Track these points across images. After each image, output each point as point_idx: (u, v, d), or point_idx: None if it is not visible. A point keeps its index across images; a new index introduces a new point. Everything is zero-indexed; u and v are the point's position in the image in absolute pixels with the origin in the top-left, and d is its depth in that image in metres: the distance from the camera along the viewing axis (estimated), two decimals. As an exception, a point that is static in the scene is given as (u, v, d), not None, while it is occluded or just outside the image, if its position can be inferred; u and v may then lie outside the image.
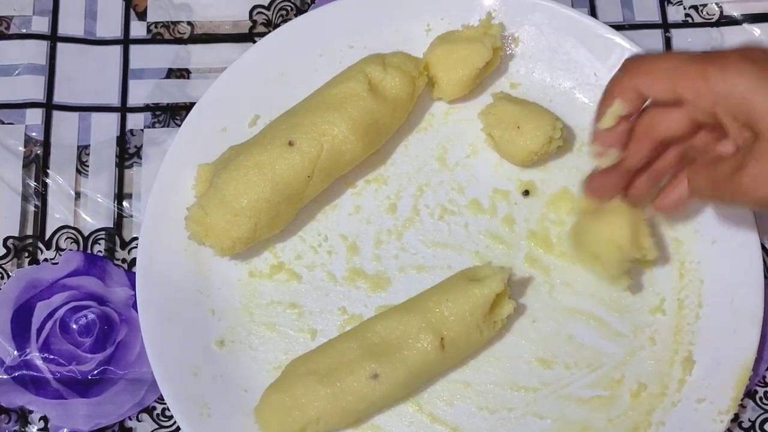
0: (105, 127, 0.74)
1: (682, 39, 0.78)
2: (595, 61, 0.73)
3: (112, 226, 0.72)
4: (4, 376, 0.68)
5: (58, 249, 0.71)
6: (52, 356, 0.68)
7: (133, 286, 0.69)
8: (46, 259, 0.71)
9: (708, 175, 0.57)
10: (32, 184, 0.73)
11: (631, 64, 0.60)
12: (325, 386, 0.62)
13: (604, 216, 0.64)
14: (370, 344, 0.63)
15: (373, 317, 0.66)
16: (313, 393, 0.62)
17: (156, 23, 0.78)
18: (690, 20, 0.79)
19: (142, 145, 0.74)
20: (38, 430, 0.68)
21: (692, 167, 0.59)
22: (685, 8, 0.79)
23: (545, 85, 0.74)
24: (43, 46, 0.76)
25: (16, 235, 0.71)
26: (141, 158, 0.74)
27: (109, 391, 0.68)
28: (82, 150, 0.74)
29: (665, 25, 0.78)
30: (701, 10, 0.79)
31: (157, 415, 0.68)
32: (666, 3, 0.79)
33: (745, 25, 0.78)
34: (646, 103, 0.60)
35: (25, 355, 0.68)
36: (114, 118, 0.75)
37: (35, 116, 0.74)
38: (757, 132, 0.53)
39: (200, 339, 0.68)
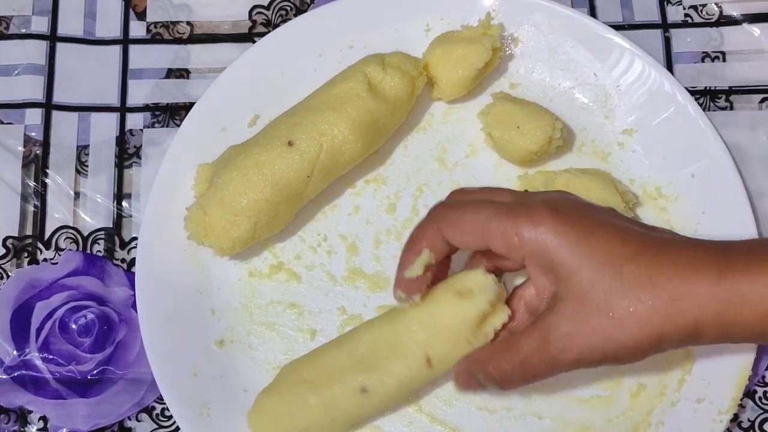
0: (104, 127, 0.74)
1: (682, 39, 0.78)
2: (595, 61, 0.73)
3: (111, 226, 0.72)
4: (4, 376, 0.68)
5: (58, 249, 0.71)
6: (51, 356, 0.68)
7: (132, 286, 0.69)
8: (45, 259, 0.71)
9: (511, 359, 0.55)
10: (31, 184, 0.73)
11: (438, 214, 0.58)
12: (315, 395, 0.61)
13: None
14: (359, 355, 0.62)
15: (362, 326, 0.64)
16: (304, 402, 0.61)
17: (155, 23, 0.78)
18: (689, 20, 0.79)
19: (141, 145, 0.74)
20: (37, 430, 0.68)
21: (486, 359, 0.57)
22: (684, 8, 0.79)
23: (545, 85, 0.74)
24: (42, 46, 0.76)
25: (16, 235, 0.71)
26: (140, 158, 0.74)
27: (109, 391, 0.68)
28: (82, 150, 0.74)
29: (665, 25, 0.78)
30: (701, 10, 0.79)
31: (157, 415, 0.68)
32: (665, 3, 0.79)
33: (745, 25, 0.78)
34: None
35: (25, 355, 0.68)
36: (113, 118, 0.75)
37: (35, 116, 0.74)
38: (558, 291, 0.53)
39: (200, 339, 0.68)
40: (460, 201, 0.58)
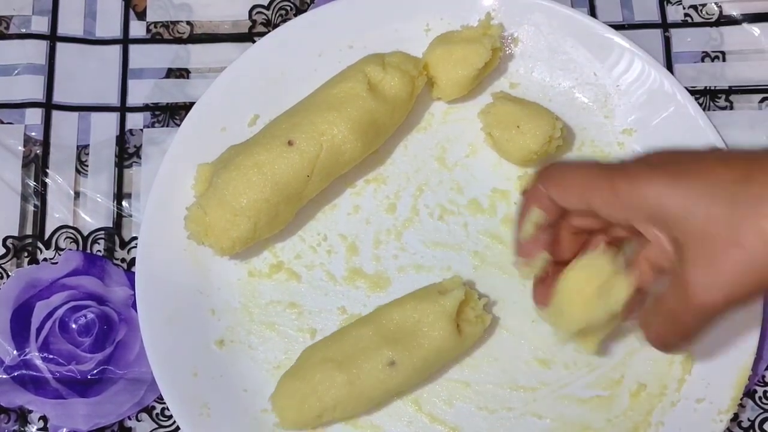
0: (104, 127, 0.74)
1: (682, 39, 0.78)
2: (595, 60, 0.73)
3: (111, 225, 0.72)
4: (4, 376, 0.68)
5: (58, 249, 0.71)
6: (51, 356, 0.68)
7: (132, 286, 0.69)
8: (45, 259, 0.71)
9: (660, 317, 0.53)
10: (32, 183, 0.73)
11: (543, 173, 0.57)
12: (342, 373, 0.62)
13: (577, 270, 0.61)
14: (386, 331, 0.64)
15: (388, 304, 0.66)
16: (330, 380, 0.62)
17: (155, 23, 0.78)
18: (689, 20, 0.79)
19: (141, 145, 0.74)
20: (37, 429, 0.68)
21: (642, 321, 0.56)
22: (684, 8, 0.79)
23: (545, 84, 0.74)
24: (42, 45, 0.76)
25: (16, 234, 0.71)
26: (140, 158, 0.74)
27: (109, 390, 0.68)
28: (82, 150, 0.74)
29: (664, 25, 0.78)
30: (701, 10, 0.79)
31: (157, 414, 0.68)
32: (665, 3, 0.79)
33: (745, 25, 0.78)
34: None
35: (25, 355, 0.68)
36: (113, 117, 0.75)
37: (35, 116, 0.74)
38: (677, 238, 0.50)
39: (200, 339, 0.68)
40: (565, 162, 0.58)
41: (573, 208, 0.56)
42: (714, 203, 0.48)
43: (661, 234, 0.51)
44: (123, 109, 0.75)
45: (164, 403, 0.67)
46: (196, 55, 0.77)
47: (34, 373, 0.68)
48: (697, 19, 0.79)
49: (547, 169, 0.58)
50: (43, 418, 0.68)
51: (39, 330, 0.69)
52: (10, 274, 0.71)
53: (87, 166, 0.73)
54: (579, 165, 0.56)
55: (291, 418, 0.63)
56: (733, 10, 0.78)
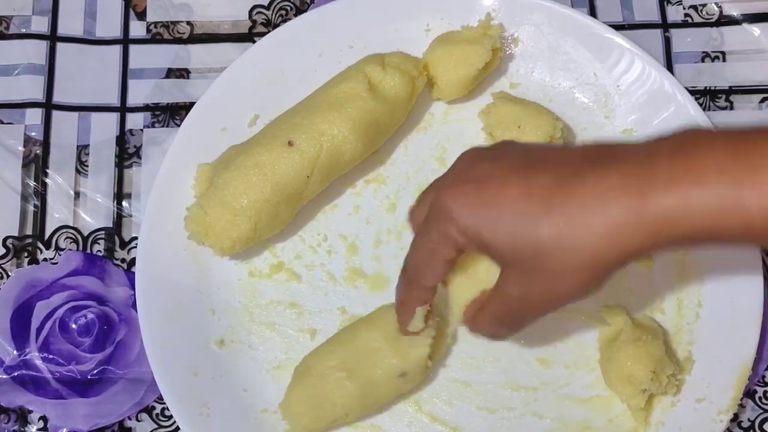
0: (104, 127, 0.74)
1: (682, 39, 0.78)
2: (595, 61, 0.73)
3: (111, 225, 0.72)
4: (4, 376, 0.68)
5: (58, 249, 0.71)
6: (51, 356, 0.68)
7: (132, 286, 0.69)
8: (45, 259, 0.71)
9: (486, 319, 0.58)
10: (32, 183, 0.73)
11: (409, 278, 0.60)
12: (353, 383, 0.62)
13: (625, 348, 0.64)
14: (394, 333, 0.63)
15: (392, 304, 0.64)
16: (343, 389, 0.62)
17: (155, 23, 0.78)
18: (690, 20, 0.79)
19: (141, 145, 0.74)
20: (38, 429, 0.68)
21: (468, 320, 0.60)
22: (684, 8, 0.79)
23: (545, 84, 0.74)
24: (42, 46, 0.76)
25: (16, 234, 0.71)
26: (141, 158, 0.74)
27: (109, 390, 0.68)
28: (82, 150, 0.74)
29: (665, 25, 0.78)
30: (701, 10, 0.79)
31: (157, 414, 0.68)
32: (665, 3, 0.79)
33: (745, 25, 0.78)
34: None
35: (25, 355, 0.68)
36: (113, 117, 0.75)
37: (35, 116, 0.74)
38: (504, 260, 0.53)
39: (200, 339, 0.68)
40: (408, 256, 0.59)
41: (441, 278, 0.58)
42: (517, 236, 0.51)
43: (487, 255, 0.55)
44: (123, 109, 0.75)
45: (164, 403, 0.67)
46: (197, 55, 0.77)
47: (34, 373, 0.68)
48: (697, 19, 0.79)
49: (408, 275, 0.59)
50: (43, 419, 0.68)
51: (39, 330, 0.69)
52: (10, 274, 0.70)
53: (87, 166, 0.73)
54: (422, 249, 0.57)
55: (303, 425, 0.63)
56: (733, 10, 0.79)
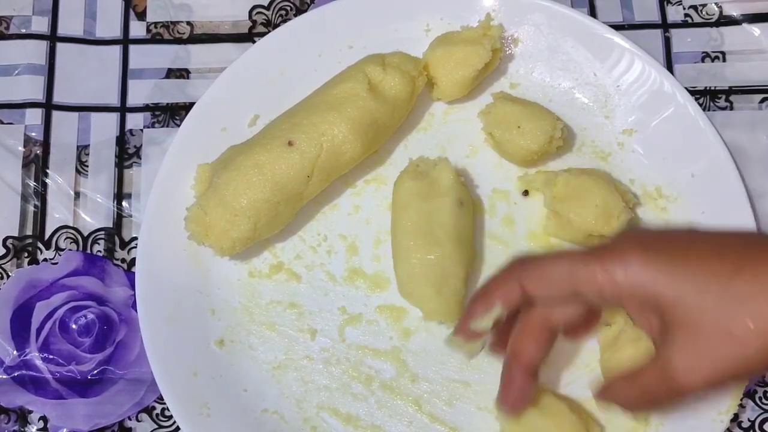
0: (104, 127, 0.74)
1: (682, 39, 0.78)
2: (595, 61, 0.73)
3: (111, 226, 0.72)
4: (4, 376, 0.68)
5: (58, 249, 0.71)
6: (51, 356, 0.68)
7: (132, 286, 0.69)
8: (45, 259, 0.71)
9: (635, 388, 0.54)
10: (32, 184, 0.73)
11: (519, 266, 0.56)
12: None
13: (625, 348, 0.64)
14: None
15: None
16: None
17: (155, 23, 0.78)
18: (689, 20, 0.79)
19: (141, 145, 0.74)
20: (38, 430, 0.68)
21: (609, 385, 0.57)
22: (684, 8, 0.79)
23: (545, 85, 0.74)
24: (42, 46, 0.76)
25: (16, 235, 0.71)
26: (140, 158, 0.74)
27: (109, 391, 0.68)
28: (82, 150, 0.74)
29: (665, 25, 0.78)
30: (701, 10, 0.79)
31: (157, 415, 0.68)
32: (665, 3, 0.79)
33: (745, 25, 0.78)
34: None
35: (25, 355, 0.68)
36: (113, 118, 0.75)
37: (35, 116, 0.74)
38: (667, 322, 0.51)
39: (200, 339, 0.68)
40: (537, 255, 0.56)
41: (554, 298, 0.55)
42: (707, 294, 0.50)
43: (653, 319, 0.53)
44: (123, 109, 0.75)
45: (164, 403, 0.67)
46: (196, 56, 0.77)
47: (34, 374, 0.68)
48: (697, 19, 0.79)
49: (523, 262, 0.56)
50: (43, 419, 0.68)
51: (39, 330, 0.69)
52: (10, 274, 0.71)
53: (87, 166, 0.73)
54: (559, 257, 0.55)
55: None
56: (733, 11, 0.79)
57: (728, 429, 0.66)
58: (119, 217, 0.72)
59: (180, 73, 0.76)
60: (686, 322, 0.50)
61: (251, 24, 0.78)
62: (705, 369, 0.50)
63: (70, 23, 0.77)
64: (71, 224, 0.72)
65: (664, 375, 0.52)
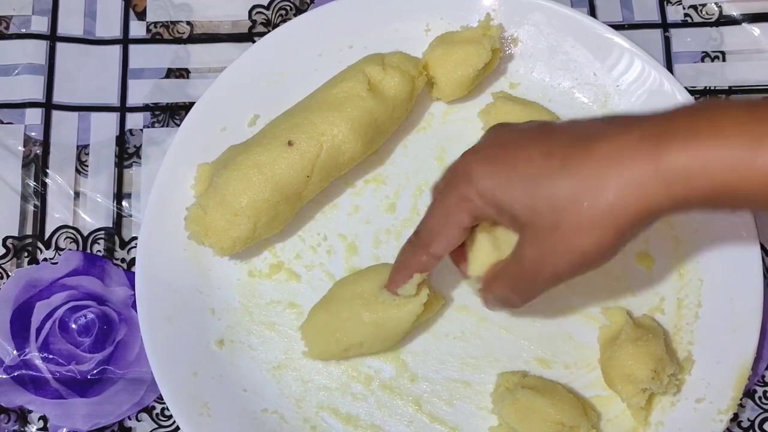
0: (104, 127, 0.74)
1: (682, 39, 0.78)
2: (595, 60, 0.73)
3: (111, 225, 0.72)
4: (4, 376, 0.68)
5: (58, 249, 0.71)
6: (51, 356, 0.68)
7: (132, 286, 0.69)
8: (45, 259, 0.71)
9: (503, 285, 0.58)
10: (31, 183, 0.73)
11: (415, 241, 0.60)
12: (370, 313, 0.63)
13: (625, 347, 0.64)
14: None
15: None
16: (358, 318, 0.64)
17: (155, 23, 0.78)
18: (689, 20, 0.79)
19: (141, 145, 0.74)
20: (37, 429, 0.68)
21: (484, 285, 0.60)
22: (684, 8, 0.79)
23: (545, 84, 0.74)
24: (42, 45, 0.76)
25: (16, 234, 0.71)
26: (140, 158, 0.74)
27: (109, 390, 0.68)
28: (82, 150, 0.74)
29: (664, 25, 0.78)
30: (701, 10, 0.79)
31: (157, 414, 0.68)
32: (665, 3, 0.79)
33: (745, 25, 0.78)
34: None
35: (25, 355, 0.68)
36: (113, 117, 0.75)
37: (35, 116, 0.74)
38: (518, 223, 0.54)
39: (200, 339, 0.68)
40: (423, 219, 0.59)
41: (456, 242, 0.58)
42: (536, 197, 0.52)
43: (507, 222, 0.55)
44: (123, 109, 0.75)
45: (164, 403, 0.67)
46: (196, 55, 0.77)
47: (34, 373, 0.68)
48: (697, 19, 0.79)
49: (416, 235, 0.60)
50: (43, 418, 0.68)
51: (39, 330, 0.69)
52: (10, 274, 0.71)
53: (87, 166, 0.73)
54: (433, 206, 0.58)
55: (318, 349, 0.65)
56: (733, 10, 0.79)
57: (728, 429, 0.66)
58: (119, 217, 0.72)
59: (180, 73, 0.76)
60: (528, 223, 0.53)
61: (251, 24, 0.78)
62: (549, 266, 0.54)
63: (70, 23, 0.77)
64: (71, 224, 0.72)
65: (522, 270, 0.55)
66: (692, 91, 0.74)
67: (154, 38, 0.77)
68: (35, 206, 0.72)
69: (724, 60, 0.77)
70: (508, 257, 0.57)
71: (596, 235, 0.51)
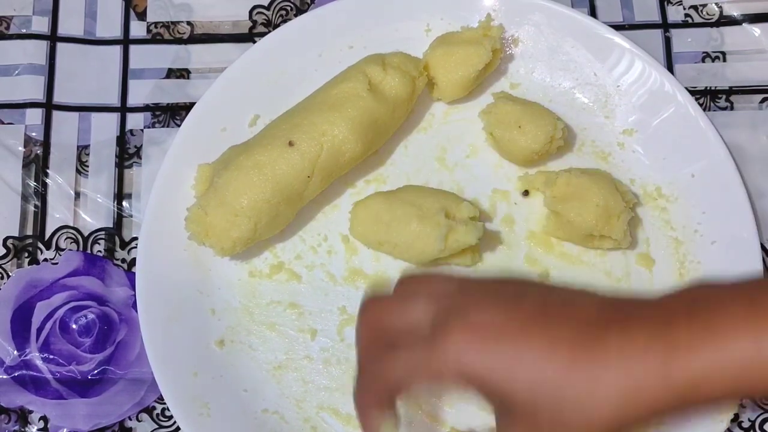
0: (105, 127, 0.74)
1: (682, 39, 0.78)
2: (595, 61, 0.73)
3: (111, 226, 0.72)
4: (4, 376, 0.68)
5: (58, 249, 0.71)
6: (51, 356, 0.68)
7: (133, 286, 0.69)
8: (45, 259, 0.71)
9: None
10: (32, 184, 0.73)
11: (374, 384, 0.54)
12: (418, 225, 0.66)
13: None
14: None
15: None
16: (407, 224, 0.66)
17: (156, 23, 0.78)
18: (690, 20, 0.79)
19: (141, 145, 0.74)
20: (38, 430, 0.68)
21: None
22: (684, 8, 0.79)
23: (545, 85, 0.74)
24: (42, 46, 0.76)
25: (16, 235, 0.71)
26: (141, 158, 0.74)
27: (109, 391, 0.68)
28: (82, 150, 0.74)
29: (665, 25, 0.78)
30: (701, 10, 0.79)
31: (157, 415, 0.68)
32: (666, 3, 0.79)
33: (745, 25, 0.78)
34: None
35: (25, 355, 0.68)
36: (114, 118, 0.75)
37: (35, 116, 0.74)
38: (506, 405, 0.50)
39: (200, 339, 0.68)
40: (380, 366, 0.53)
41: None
42: (540, 394, 0.48)
43: (494, 398, 0.51)
44: (123, 109, 0.75)
45: (164, 403, 0.67)
46: (197, 56, 0.77)
47: (35, 374, 0.68)
48: (697, 19, 0.79)
49: (374, 376, 0.54)
50: (44, 419, 0.68)
51: (39, 330, 0.69)
52: (10, 274, 0.71)
53: (87, 166, 0.73)
54: (396, 356, 0.52)
55: (360, 230, 0.69)
56: (733, 11, 0.79)
57: (728, 429, 0.66)
58: (119, 217, 0.73)
59: (180, 73, 0.76)
60: (523, 413, 0.49)
61: (251, 24, 0.78)
62: None
63: (71, 23, 0.77)
64: (71, 224, 0.72)
65: None
66: (692, 92, 0.74)
67: (154, 38, 0.77)
68: (36, 206, 0.72)
69: (724, 60, 0.77)
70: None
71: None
